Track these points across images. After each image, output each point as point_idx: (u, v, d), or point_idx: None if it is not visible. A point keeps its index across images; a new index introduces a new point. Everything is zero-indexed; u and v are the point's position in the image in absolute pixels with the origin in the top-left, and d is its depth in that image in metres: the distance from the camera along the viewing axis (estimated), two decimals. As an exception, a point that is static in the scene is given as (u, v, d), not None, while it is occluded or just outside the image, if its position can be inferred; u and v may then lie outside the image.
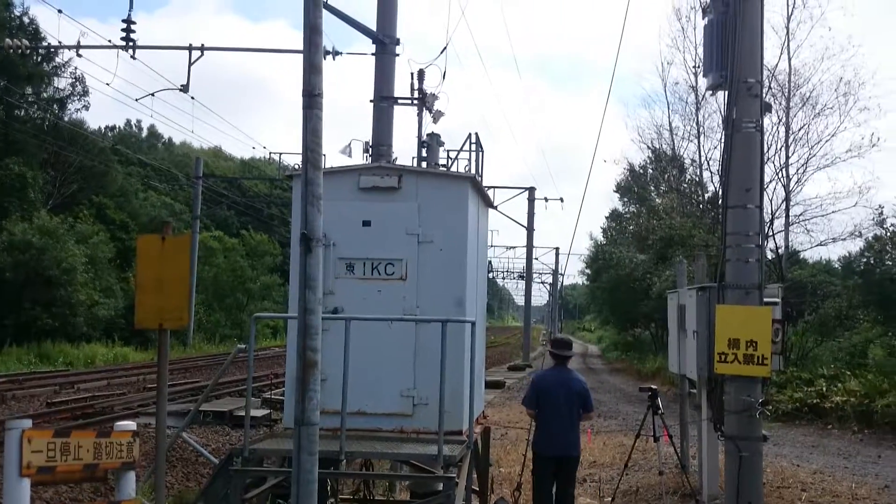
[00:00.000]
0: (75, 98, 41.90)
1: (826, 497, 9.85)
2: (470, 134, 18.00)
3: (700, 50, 20.00)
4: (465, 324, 6.92)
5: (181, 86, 17.73)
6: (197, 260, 38.08)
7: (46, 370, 25.80)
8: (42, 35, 37.46)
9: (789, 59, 24.98)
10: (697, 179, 31.66)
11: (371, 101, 13.63)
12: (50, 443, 3.75)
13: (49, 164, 39.52)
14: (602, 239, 48.68)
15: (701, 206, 30.31)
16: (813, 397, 17.69)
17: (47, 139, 38.20)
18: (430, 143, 17.26)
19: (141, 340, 35.13)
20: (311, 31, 4.83)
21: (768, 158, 22.63)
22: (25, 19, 38.81)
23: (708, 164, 29.03)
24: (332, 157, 51.20)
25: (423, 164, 16.98)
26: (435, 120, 16.49)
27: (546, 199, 38.88)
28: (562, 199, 47.11)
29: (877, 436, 15.44)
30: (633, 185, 42.83)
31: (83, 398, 18.53)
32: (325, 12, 5.15)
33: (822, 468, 11.89)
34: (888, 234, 19.43)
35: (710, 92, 8.18)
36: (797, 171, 25.11)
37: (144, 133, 71.62)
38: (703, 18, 7.74)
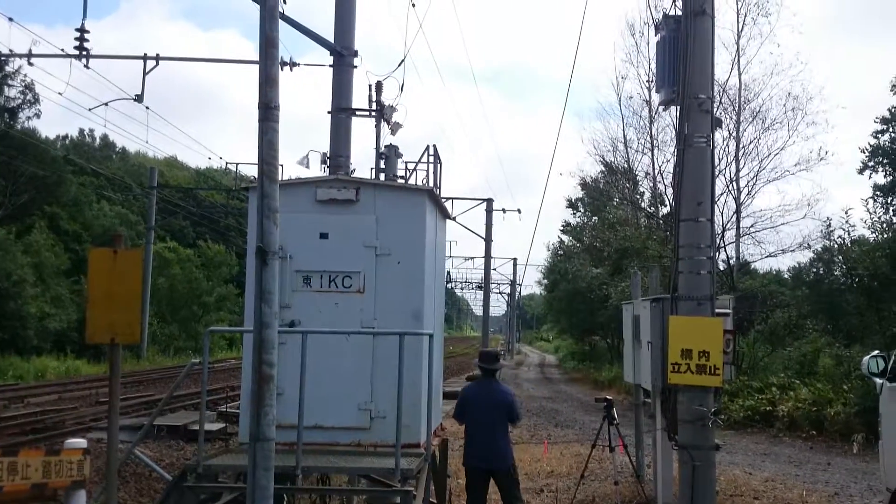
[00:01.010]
0: (26, 106, 41.01)
1: (777, 504, 10.04)
2: (428, 146, 18.09)
3: (653, 65, 20.37)
4: (423, 336, 6.94)
5: (135, 95, 17.50)
6: (151, 271, 37.49)
7: (-6, 384, 25.14)
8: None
9: (739, 75, 25.52)
10: (651, 192, 32.13)
11: (329, 112, 13.60)
12: (-3, 462, 3.69)
13: (-1, 173, 38.59)
14: (559, 251, 49.06)
15: (654, 218, 30.73)
16: (764, 405, 18.03)
17: (-5, 148, 37.32)
18: (388, 155, 17.27)
19: (94, 353, 34.41)
20: (267, 43, 4.83)
21: (719, 171, 23.08)
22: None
23: (661, 176, 29.47)
24: (290, 167, 50.92)
25: (382, 176, 16.98)
26: (393, 132, 16.52)
27: (504, 211, 39.21)
28: (519, 211, 47.70)
29: (826, 443, 15.79)
30: (586, 199, 43.31)
31: (33, 413, 18.08)
32: (281, 23, 5.15)
33: (773, 476, 12.11)
34: (836, 245, 19.91)
35: (663, 107, 8.34)
36: (748, 183, 25.63)
37: (97, 143, 70.32)
38: (656, 35, 7.89)
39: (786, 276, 29.14)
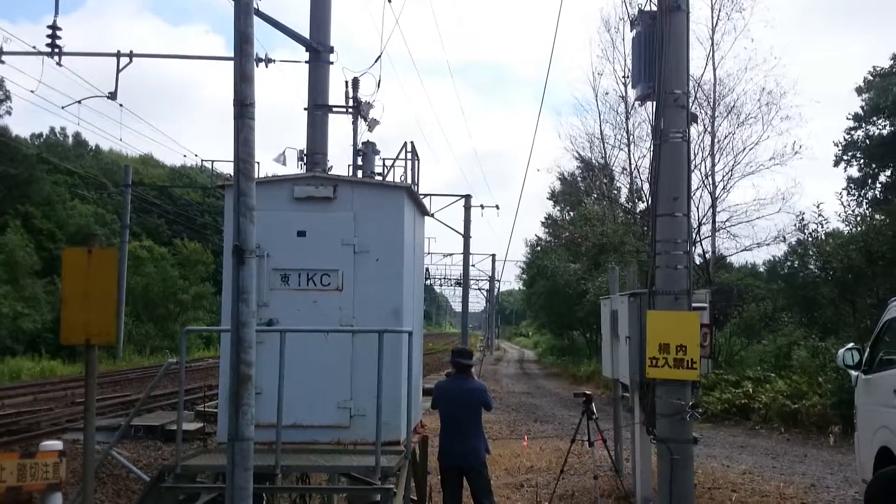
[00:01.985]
0: (-4, 104, 40.47)
1: (755, 497, 10.13)
2: (406, 143, 18.05)
3: (629, 61, 20.48)
4: (403, 334, 6.92)
5: (109, 93, 17.29)
6: (126, 270, 37.11)
7: (-33, 386, 24.79)
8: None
9: (714, 70, 25.71)
10: (628, 187, 32.28)
11: (305, 109, 13.54)
12: (-30, 466, 3.63)
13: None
14: (537, 247, 49.21)
15: (631, 214, 30.89)
16: (741, 398, 18.20)
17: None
18: (365, 152, 17.23)
19: (69, 353, 34.02)
20: (242, 39, 4.78)
21: (695, 166, 23.23)
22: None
23: (638, 172, 29.62)
24: (266, 164, 50.56)
25: (359, 173, 16.93)
26: (370, 128, 16.47)
27: (482, 207, 39.14)
28: (497, 207, 47.35)
29: (802, 435, 15.97)
30: (565, 193, 43.46)
31: (8, 414, 17.85)
32: (256, 19, 5.10)
33: (750, 468, 12.23)
34: (809, 239, 20.12)
35: (639, 102, 8.38)
36: (723, 178, 25.84)
37: (70, 141, 69.47)
38: (631, 31, 7.92)
39: (761, 269, 29.46)
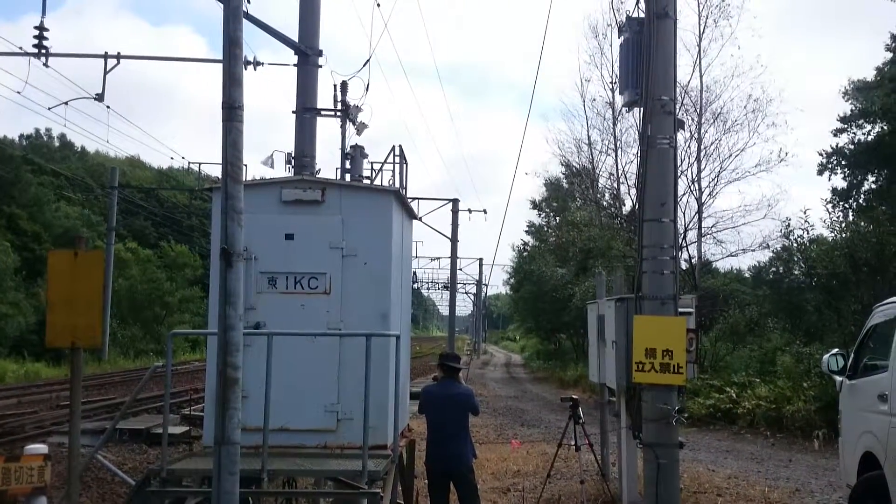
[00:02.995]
0: (-19, 105, 40.22)
1: (740, 501, 10.19)
2: (394, 146, 18.07)
3: (616, 67, 20.53)
4: (390, 337, 6.92)
5: (96, 94, 17.22)
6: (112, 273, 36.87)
7: (-50, 389, 24.58)
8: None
9: (701, 77, 25.89)
10: (615, 192, 32.41)
11: (294, 112, 13.51)
12: (-45, 469, 3.61)
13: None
14: (524, 252, 49.30)
15: (618, 218, 31.01)
16: (725, 403, 18.28)
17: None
18: (353, 156, 17.22)
19: (53, 356, 33.81)
20: (231, 43, 4.79)
21: (681, 172, 23.36)
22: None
23: (625, 177, 29.75)
24: (254, 167, 50.45)
25: (347, 177, 16.91)
26: (358, 132, 16.47)
27: (470, 211, 39.28)
28: (485, 211, 47.73)
29: (787, 440, 16.06)
30: (550, 199, 43.59)
31: (-9, 418, 17.71)
32: (245, 22, 5.10)
33: (736, 473, 12.29)
34: (794, 245, 20.24)
35: (627, 109, 8.42)
36: (709, 184, 26.01)
37: (56, 142, 69.11)
38: (619, 38, 7.96)
39: (747, 274, 29.62)
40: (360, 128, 16.36)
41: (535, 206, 47.18)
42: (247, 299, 6.69)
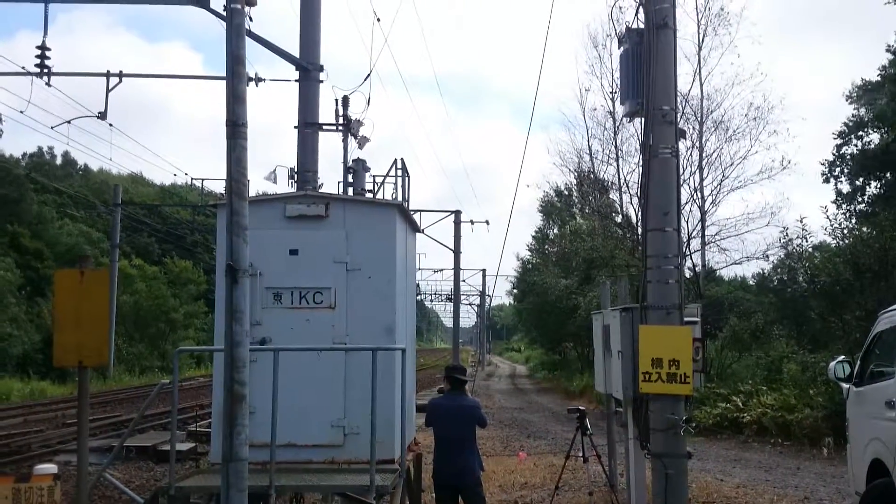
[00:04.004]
0: (-15, 125, 40.31)
1: (749, 510, 10.14)
2: (396, 160, 18.12)
3: (616, 76, 20.57)
4: (396, 351, 6.93)
5: (99, 113, 17.28)
6: (116, 290, 36.94)
7: (-45, 409, 24.58)
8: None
9: (701, 85, 25.93)
10: (617, 202, 32.42)
11: (295, 127, 13.57)
12: (-36, 490, 3.61)
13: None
14: (528, 264, 49.28)
15: (621, 229, 31.01)
16: (732, 412, 18.21)
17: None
18: (356, 169, 17.26)
19: (58, 374, 33.80)
20: (234, 60, 4.82)
21: (683, 180, 23.31)
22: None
23: (627, 186, 29.76)
24: (256, 182, 50.63)
25: (350, 191, 16.95)
26: (360, 146, 16.51)
27: (472, 222, 39.19)
28: (487, 222, 47.61)
29: (795, 448, 15.99)
30: (553, 209, 43.64)
31: (-3, 437, 17.71)
32: (247, 40, 5.13)
33: (744, 482, 12.24)
34: (795, 252, 20.21)
35: (628, 119, 8.44)
36: (711, 192, 26.02)
37: (59, 160, 69.37)
38: (619, 48, 7.99)
39: (751, 282, 29.58)
40: (362, 142, 16.40)
41: (543, 209, 47.25)
42: (252, 315, 6.69)
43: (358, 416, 6.92)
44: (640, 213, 9.87)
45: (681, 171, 8.02)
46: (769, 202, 45.84)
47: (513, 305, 71.87)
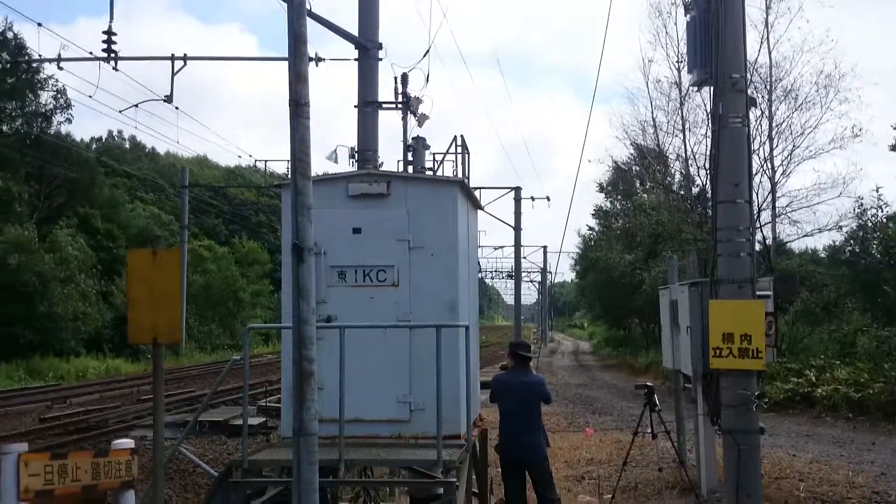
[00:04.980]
0: (58, 111, 41.64)
1: (824, 486, 9.91)
2: (455, 136, 18.00)
3: (682, 46, 20.06)
4: (459, 328, 6.92)
5: (165, 96, 17.64)
6: (187, 269, 37.90)
7: (37, 385, 25.65)
8: (26, 50, 37.30)
9: (769, 53, 25.07)
10: (684, 174, 31.72)
11: (355, 106, 13.58)
12: (47, 465, 3.72)
13: (33, 177, 39.29)
14: (590, 240, 48.60)
15: (688, 201, 30.36)
16: (804, 387, 17.79)
17: (29, 153, 37.98)
18: (415, 147, 17.21)
19: (132, 352, 34.94)
20: (296, 39, 4.81)
21: (753, 151, 22.71)
22: (10, 34, 38.54)
23: (694, 158, 29.08)
24: (317, 162, 51.12)
25: (410, 169, 16.94)
26: (420, 123, 16.43)
27: (532, 199, 38.77)
28: (548, 198, 46.91)
29: (870, 423, 15.54)
30: (618, 183, 42.83)
31: (76, 413, 18.42)
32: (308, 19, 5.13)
33: (817, 457, 11.96)
34: (870, 224, 19.51)
35: (695, 88, 8.22)
36: (782, 162, 25.23)
37: (127, 144, 71.26)
38: (685, 16, 7.76)
39: (822, 255, 28.72)
40: (422, 119, 16.32)
41: (602, 189, 46.45)
42: (318, 293, 6.75)
43: (423, 392, 6.94)
44: (709, 185, 9.59)
45: (751, 141, 7.77)
46: (841, 172, 44.30)
47: (575, 282, 71.25)
